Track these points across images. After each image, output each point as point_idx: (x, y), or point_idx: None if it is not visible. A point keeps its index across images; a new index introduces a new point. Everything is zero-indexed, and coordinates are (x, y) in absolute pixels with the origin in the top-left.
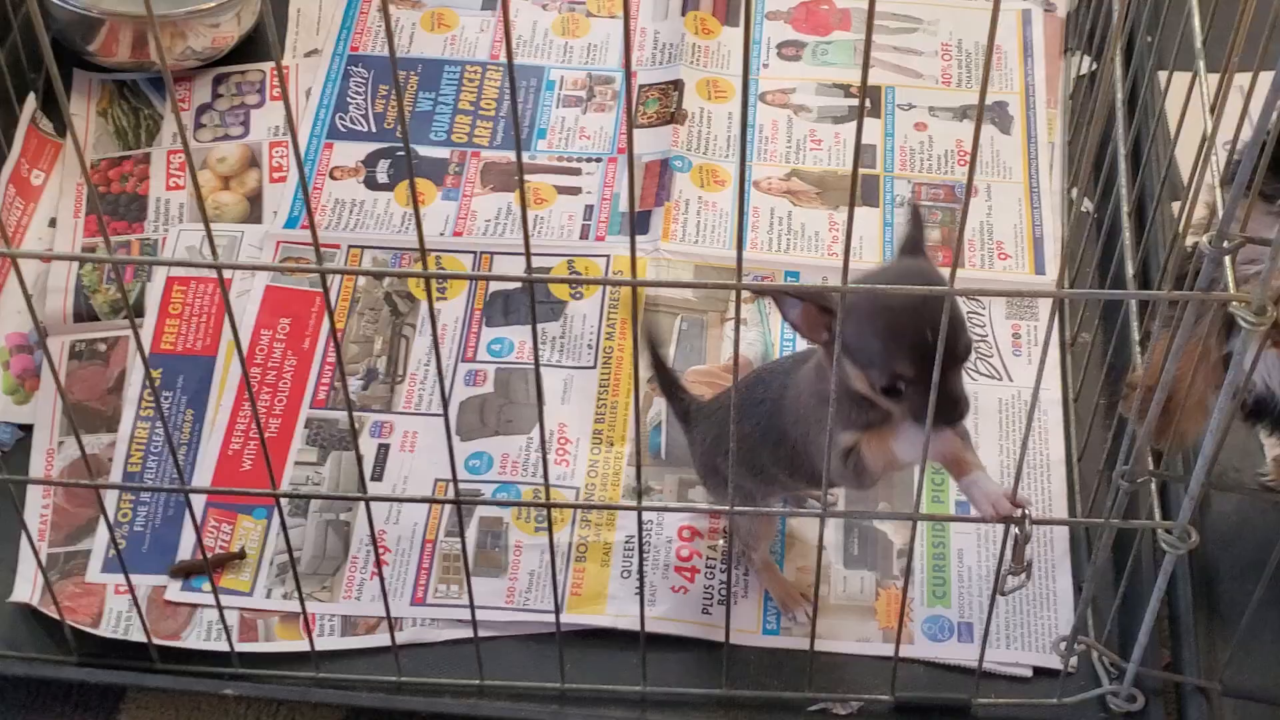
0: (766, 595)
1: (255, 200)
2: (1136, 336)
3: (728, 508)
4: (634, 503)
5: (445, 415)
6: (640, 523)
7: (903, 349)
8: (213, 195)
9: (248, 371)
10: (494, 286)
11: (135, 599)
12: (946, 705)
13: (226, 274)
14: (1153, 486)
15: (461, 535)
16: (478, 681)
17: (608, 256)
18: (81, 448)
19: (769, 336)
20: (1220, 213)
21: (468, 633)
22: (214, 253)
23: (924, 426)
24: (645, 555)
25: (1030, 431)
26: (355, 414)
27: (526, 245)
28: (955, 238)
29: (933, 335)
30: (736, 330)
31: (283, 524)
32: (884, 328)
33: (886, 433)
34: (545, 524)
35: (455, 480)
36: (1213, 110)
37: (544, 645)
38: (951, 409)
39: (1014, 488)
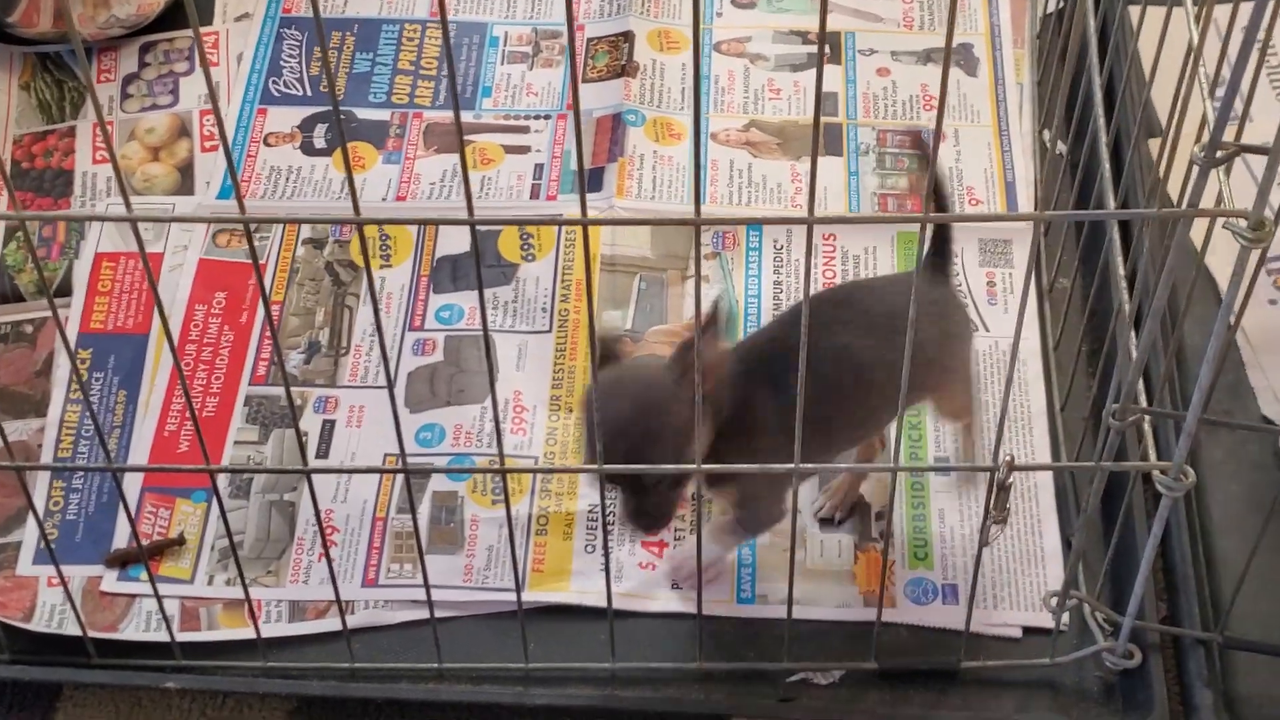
0: (740, 563)
1: (186, 171)
2: (1121, 270)
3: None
4: (595, 465)
5: (389, 383)
6: (603, 488)
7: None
8: (141, 167)
9: (174, 344)
10: (441, 251)
11: (68, 591)
12: (933, 670)
13: (157, 249)
14: (1146, 426)
15: (413, 510)
16: (436, 665)
17: (559, 216)
18: (1, 432)
19: (732, 293)
20: (1211, 122)
21: (424, 614)
22: (126, 202)
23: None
24: (610, 530)
25: (1012, 381)
26: (298, 389)
27: (467, 186)
28: (925, 185)
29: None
30: (698, 274)
31: (220, 505)
32: (599, 425)
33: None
34: (502, 496)
35: (403, 451)
36: (1197, 20)
37: (506, 624)
38: (635, 520)
39: (997, 439)
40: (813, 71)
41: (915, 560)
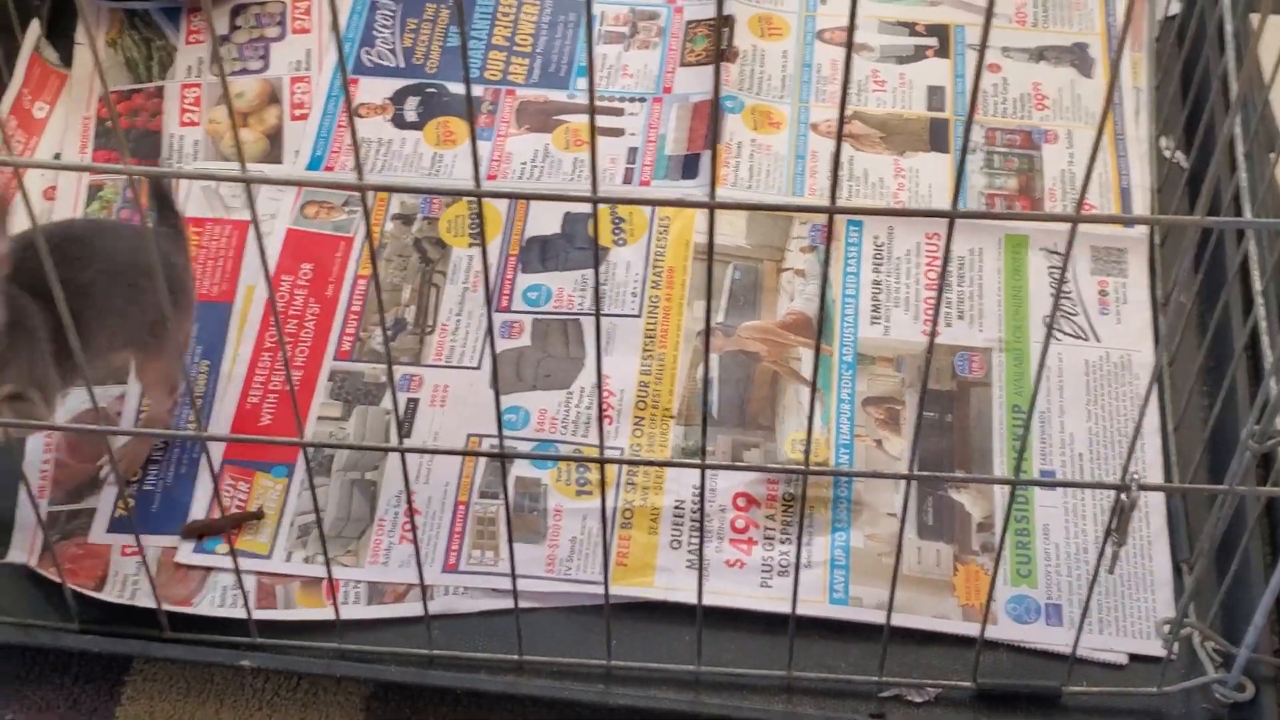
0: (834, 563)
1: (275, 139)
2: (1259, 285)
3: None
4: (696, 460)
5: (493, 354)
6: (704, 482)
7: None
8: (230, 133)
9: (278, 318)
10: (530, 231)
11: (145, 561)
12: (1035, 694)
13: (244, 216)
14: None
15: (505, 495)
16: (516, 657)
17: (690, 196)
18: (92, 394)
19: (830, 292)
20: None
21: (504, 603)
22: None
23: None
24: (698, 527)
25: (1150, 395)
26: (383, 366)
27: (594, 158)
28: (1033, 186)
29: None
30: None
31: (310, 476)
32: None
33: None
34: (587, 487)
35: (500, 432)
36: None
37: (587, 618)
38: None
39: (1127, 457)
40: (920, 64)
41: (1018, 577)
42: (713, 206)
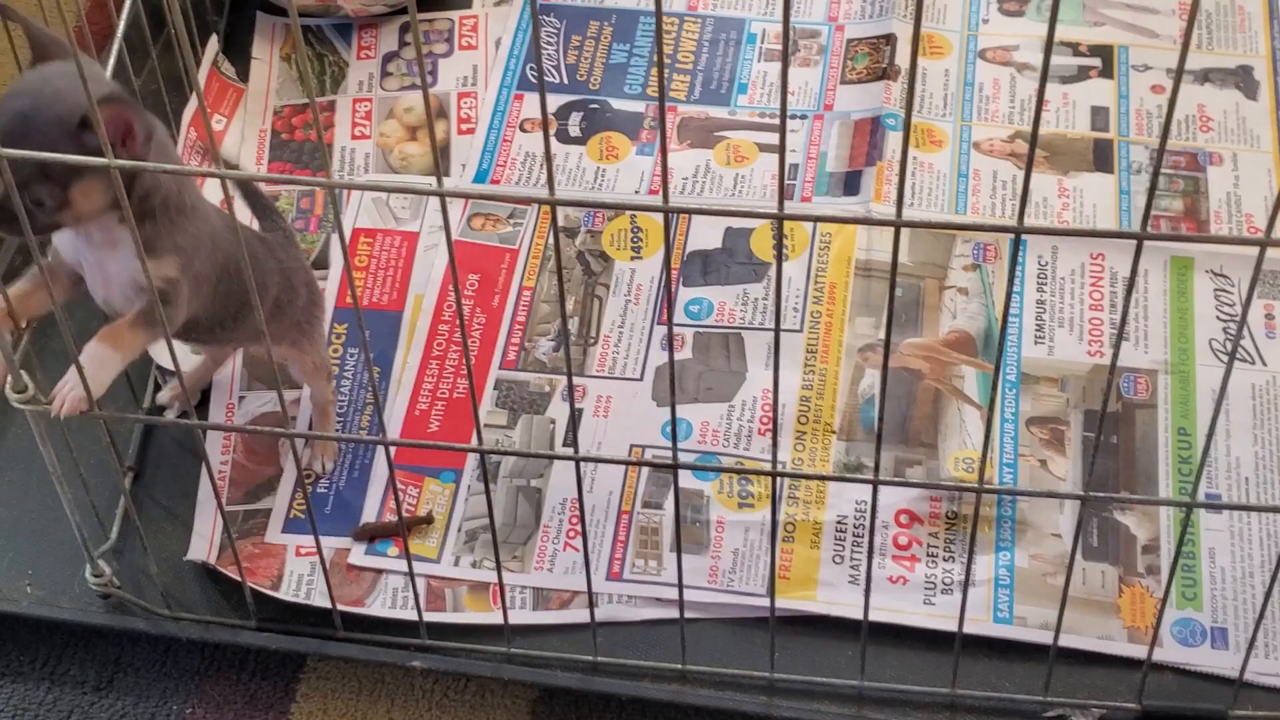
0: (998, 582)
1: (444, 152)
2: None
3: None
4: (868, 476)
5: (671, 366)
6: (875, 498)
7: None
8: (399, 146)
9: (464, 318)
10: (692, 245)
11: (323, 561)
12: (1200, 716)
13: (413, 227)
14: None
15: (676, 506)
16: (680, 666)
17: (870, 214)
18: (281, 397)
19: (992, 310)
20: None
21: (667, 612)
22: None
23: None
24: (860, 542)
25: None
26: (546, 376)
27: (782, 171)
28: (1197, 208)
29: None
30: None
31: (486, 483)
32: None
33: None
34: (749, 500)
35: (675, 444)
36: None
37: (748, 630)
38: None
39: None
40: (1084, 84)
41: (1184, 600)
42: (898, 225)
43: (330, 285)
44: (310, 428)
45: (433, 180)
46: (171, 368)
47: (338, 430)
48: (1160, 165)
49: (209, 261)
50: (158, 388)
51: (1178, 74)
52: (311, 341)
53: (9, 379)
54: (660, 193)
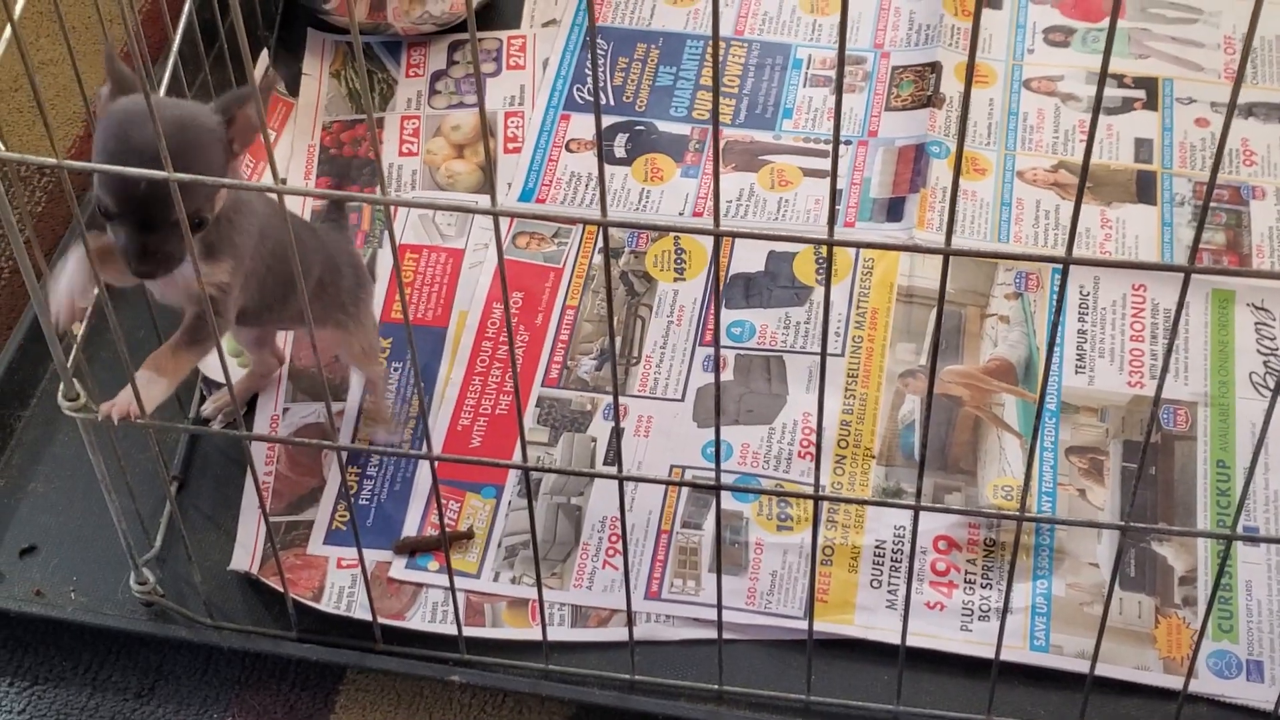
0: (1035, 610)
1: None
2: None
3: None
4: (908, 501)
5: (717, 386)
6: (916, 523)
7: (105, 178)
8: (446, 164)
9: (513, 335)
10: (735, 268)
11: (365, 574)
12: None
13: (458, 244)
14: None
15: (718, 527)
16: (716, 687)
17: (915, 242)
18: (329, 408)
19: (1033, 339)
20: None
21: (705, 632)
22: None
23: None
24: (898, 567)
25: None
26: (589, 394)
27: (833, 196)
28: (1240, 241)
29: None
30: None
31: (530, 500)
32: (102, 148)
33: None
34: (788, 523)
35: (719, 466)
36: None
37: (785, 652)
38: (135, 259)
39: None
40: (1130, 115)
41: (1219, 632)
42: (948, 253)
43: (376, 300)
44: (361, 407)
45: (482, 198)
46: (218, 379)
47: (390, 405)
48: (1209, 199)
49: (258, 255)
50: (203, 399)
51: (1229, 109)
52: (358, 324)
53: (60, 386)
54: (706, 215)
